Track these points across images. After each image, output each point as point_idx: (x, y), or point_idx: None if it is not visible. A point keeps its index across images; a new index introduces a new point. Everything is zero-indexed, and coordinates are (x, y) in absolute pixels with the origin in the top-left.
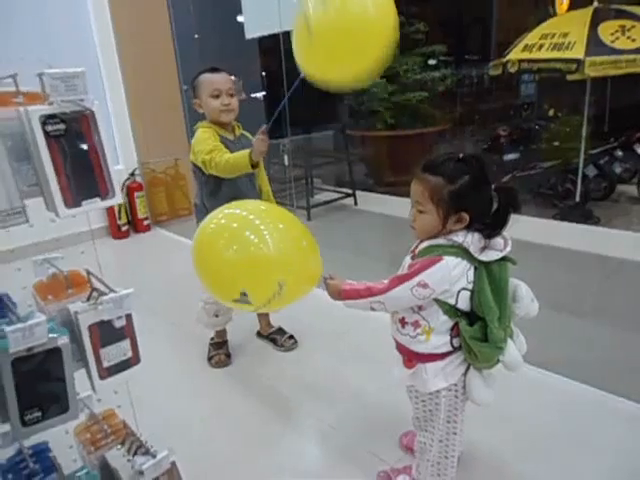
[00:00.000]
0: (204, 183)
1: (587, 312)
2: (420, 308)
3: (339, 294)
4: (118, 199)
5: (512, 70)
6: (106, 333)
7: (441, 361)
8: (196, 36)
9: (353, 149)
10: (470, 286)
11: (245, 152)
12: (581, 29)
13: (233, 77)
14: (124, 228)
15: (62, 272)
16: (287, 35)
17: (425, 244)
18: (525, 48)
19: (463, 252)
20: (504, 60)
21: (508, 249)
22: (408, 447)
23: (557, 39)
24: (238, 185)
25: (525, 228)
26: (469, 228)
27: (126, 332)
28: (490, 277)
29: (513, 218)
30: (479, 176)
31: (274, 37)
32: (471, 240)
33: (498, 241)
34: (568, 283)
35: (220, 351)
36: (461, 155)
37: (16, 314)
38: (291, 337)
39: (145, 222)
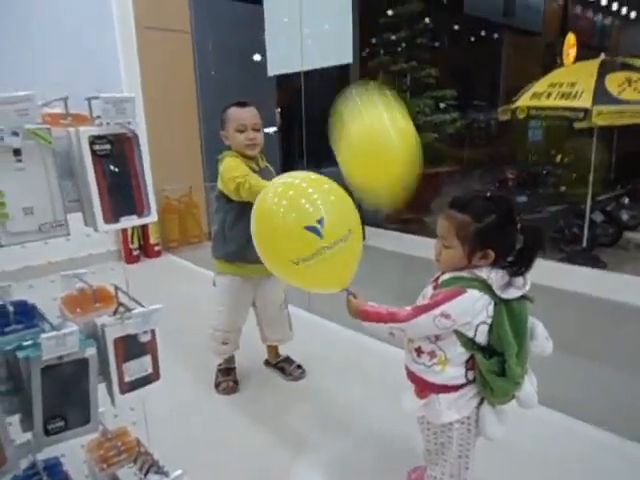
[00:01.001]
0: (227, 211)
1: (593, 354)
2: (437, 338)
3: (360, 314)
4: (154, 217)
5: (521, 116)
6: (130, 347)
7: (455, 393)
8: (213, 73)
9: None
10: (489, 320)
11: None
12: (589, 79)
13: None
14: (135, 252)
15: (90, 286)
16: (306, 74)
17: (448, 275)
18: (534, 96)
19: (486, 287)
20: (513, 106)
21: (527, 287)
22: None
23: (565, 88)
24: None
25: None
26: (494, 265)
27: (149, 348)
28: (510, 314)
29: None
30: (505, 215)
31: (291, 75)
32: (495, 277)
33: (518, 279)
34: (573, 325)
35: (228, 378)
36: (489, 194)
37: (49, 322)
38: (299, 366)
39: (156, 247)
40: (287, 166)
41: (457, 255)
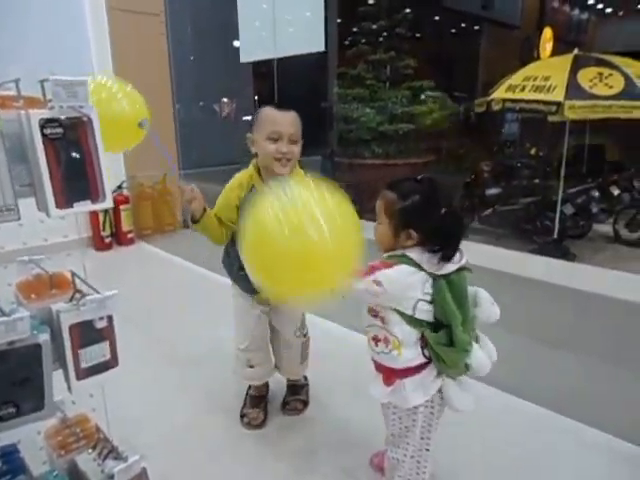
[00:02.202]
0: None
1: (557, 341)
2: (383, 321)
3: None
4: (109, 203)
5: (496, 108)
6: (86, 334)
7: (418, 375)
8: (192, 58)
9: (340, 175)
10: (428, 297)
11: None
12: (562, 74)
13: (226, 99)
14: (107, 240)
15: (46, 272)
16: (280, 61)
17: (385, 255)
18: (509, 88)
19: (417, 265)
20: (489, 98)
21: (464, 261)
22: (379, 466)
23: (539, 82)
24: None
25: (504, 260)
26: (422, 247)
27: (106, 334)
28: (450, 286)
29: (493, 251)
30: (429, 197)
31: (268, 62)
32: (423, 258)
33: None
34: (541, 314)
35: (255, 409)
36: (418, 177)
37: (0, 309)
38: (303, 402)
39: (129, 235)
40: None
41: (386, 232)
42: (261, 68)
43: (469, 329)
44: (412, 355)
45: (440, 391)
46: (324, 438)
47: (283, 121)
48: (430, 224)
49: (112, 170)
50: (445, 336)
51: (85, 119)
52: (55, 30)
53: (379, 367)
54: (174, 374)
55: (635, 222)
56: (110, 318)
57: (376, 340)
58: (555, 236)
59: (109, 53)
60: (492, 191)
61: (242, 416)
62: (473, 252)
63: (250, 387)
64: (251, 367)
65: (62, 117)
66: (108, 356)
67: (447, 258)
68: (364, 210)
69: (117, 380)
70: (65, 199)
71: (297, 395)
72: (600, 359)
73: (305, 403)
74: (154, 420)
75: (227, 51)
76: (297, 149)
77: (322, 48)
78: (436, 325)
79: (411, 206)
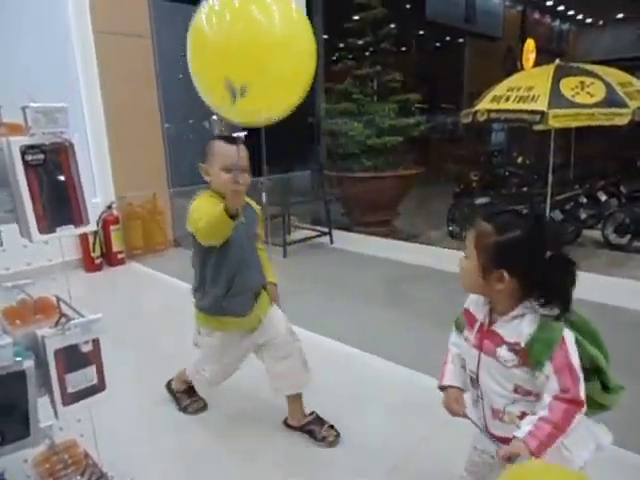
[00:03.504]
0: (205, 254)
1: None
2: (538, 397)
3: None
4: (92, 227)
5: (482, 119)
6: (72, 358)
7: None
8: (180, 76)
9: (330, 189)
10: None
11: (220, 205)
12: (545, 83)
13: (215, 117)
14: (97, 261)
15: (31, 297)
16: None
17: (529, 330)
18: (493, 99)
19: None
20: (474, 109)
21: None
22: None
23: (523, 92)
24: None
25: None
26: (523, 300)
27: (92, 358)
28: (575, 327)
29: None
30: (533, 235)
31: None
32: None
33: None
34: None
35: (194, 398)
36: (524, 210)
37: None
38: (332, 427)
39: (119, 255)
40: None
41: (472, 268)
42: None
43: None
44: None
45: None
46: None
47: (235, 155)
48: (530, 268)
49: (101, 190)
50: (598, 382)
51: (67, 144)
52: (41, 54)
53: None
54: (166, 396)
55: (623, 227)
56: (96, 342)
57: (523, 416)
58: None
59: (96, 76)
60: (481, 200)
61: (185, 409)
62: None
63: (172, 383)
64: (211, 387)
65: (45, 142)
66: (95, 380)
67: (562, 314)
68: (355, 223)
69: (106, 404)
70: (47, 224)
71: (325, 424)
72: None
73: (334, 428)
74: (145, 444)
75: None
76: (247, 177)
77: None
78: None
79: (508, 242)
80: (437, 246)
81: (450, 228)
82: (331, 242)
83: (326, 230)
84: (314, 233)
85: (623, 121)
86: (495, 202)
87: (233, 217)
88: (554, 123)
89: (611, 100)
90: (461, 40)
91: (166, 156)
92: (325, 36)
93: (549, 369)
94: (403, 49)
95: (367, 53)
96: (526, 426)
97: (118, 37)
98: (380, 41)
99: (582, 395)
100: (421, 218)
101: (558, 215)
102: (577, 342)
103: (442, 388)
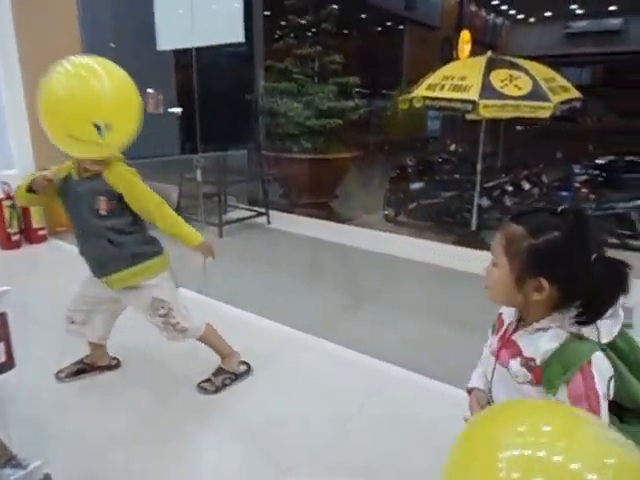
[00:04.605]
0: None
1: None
2: None
3: None
4: None
5: (418, 105)
6: None
7: None
8: (112, 45)
9: (268, 169)
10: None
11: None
12: (477, 74)
13: (151, 90)
14: (15, 238)
15: None
16: (202, 51)
17: (545, 350)
18: (429, 87)
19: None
20: (411, 96)
21: (621, 315)
22: None
23: (457, 81)
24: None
25: (427, 251)
26: (557, 309)
27: (1, 334)
28: (621, 356)
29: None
30: (574, 236)
31: (188, 51)
32: (568, 322)
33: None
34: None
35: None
36: (560, 208)
37: None
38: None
39: (40, 232)
40: (186, 149)
41: (504, 279)
42: (183, 58)
43: None
44: None
45: None
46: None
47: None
48: (572, 273)
49: (20, 162)
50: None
51: None
52: None
53: None
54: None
55: None
56: (3, 316)
57: None
58: (473, 228)
59: (12, 37)
60: (416, 185)
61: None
62: (399, 244)
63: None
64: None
65: None
66: (3, 358)
67: (588, 323)
68: (293, 204)
69: (18, 382)
70: None
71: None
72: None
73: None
74: (58, 425)
75: (150, 39)
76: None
77: (241, 39)
78: (619, 409)
79: (546, 246)
80: (374, 229)
81: (386, 212)
82: (268, 223)
83: (263, 210)
84: (251, 213)
85: (545, 114)
86: (429, 187)
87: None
88: (484, 113)
89: (536, 94)
90: (401, 27)
91: None
92: (267, 12)
93: (564, 395)
94: (345, 31)
95: (309, 33)
96: None
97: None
98: (321, 21)
99: None
100: (359, 201)
101: (485, 202)
102: (617, 373)
103: (469, 391)
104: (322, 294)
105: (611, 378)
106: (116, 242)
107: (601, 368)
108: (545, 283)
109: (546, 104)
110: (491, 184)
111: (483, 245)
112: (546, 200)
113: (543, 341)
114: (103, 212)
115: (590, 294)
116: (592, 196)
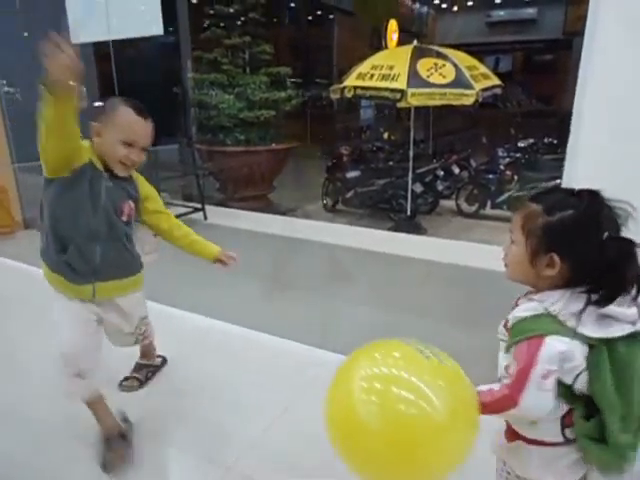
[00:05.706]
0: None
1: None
2: None
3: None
4: None
5: (349, 95)
6: None
7: (550, 448)
8: (26, 34)
9: (202, 163)
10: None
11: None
12: (404, 63)
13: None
14: None
15: None
16: (122, 43)
17: (514, 315)
18: (359, 76)
19: (565, 326)
20: (342, 86)
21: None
22: None
23: (385, 70)
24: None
25: (364, 238)
26: (568, 286)
27: None
28: (613, 360)
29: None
30: (588, 215)
31: (107, 43)
32: (563, 305)
33: (626, 311)
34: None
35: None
36: (577, 189)
37: None
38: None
39: None
40: None
41: (520, 255)
42: (104, 48)
43: (634, 427)
44: (549, 430)
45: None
46: None
47: (144, 131)
48: (583, 251)
49: None
50: (596, 428)
51: None
52: None
53: (508, 425)
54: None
55: (472, 196)
56: None
57: None
58: (408, 213)
59: None
60: (352, 174)
61: (104, 466)
62: (337, 233)
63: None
64: (78, 377)
65: None
66: None
67: (598, 303)
68: (230, 198)
69: None
70: None
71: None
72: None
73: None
74: None
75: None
76: (143, 156)
77: (160, 32)
78: (590, 408)
79: (560, 223)
80: (313, 219)
81: (324, 201)
82: (205, 218)
83: (199, 206)
84: (187, 210)
85: (469, 101)
86: (364, 175)
87: (57, 92)
88: (413, 101)
89: (459, 81)
90: (331, 16)
91: (5, 125)
92: (194, 0)
93: (512, 355)
94: (274, 20)
95: (238, 22)
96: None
97: None
98: (249, 10)
99: (520, 398)
100: (297, 192)
101: (419, 187)
102: (595, 372)
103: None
104: (252, 285)
105: (582, 371)
106: (129, 248)
107: (551, 350)
108: (557, 259)
109: (469, 91)
110: (423, 170)
111: (419, 229)
112: (474, 183)
113: (519, 309)
114: (125, 217)
115: (600, 273)
116: (515, 177)
